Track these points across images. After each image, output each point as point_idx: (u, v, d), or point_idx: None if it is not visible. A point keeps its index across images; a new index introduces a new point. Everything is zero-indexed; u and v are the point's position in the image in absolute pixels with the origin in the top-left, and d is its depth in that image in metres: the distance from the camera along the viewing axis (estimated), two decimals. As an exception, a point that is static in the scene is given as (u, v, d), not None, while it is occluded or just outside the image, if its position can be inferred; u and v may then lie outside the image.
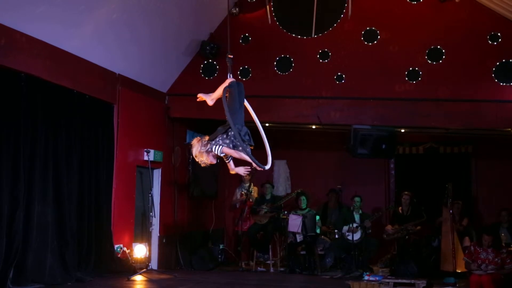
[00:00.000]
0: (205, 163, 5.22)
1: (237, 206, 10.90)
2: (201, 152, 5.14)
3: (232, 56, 6.01)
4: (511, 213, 9.79)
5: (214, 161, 5.25)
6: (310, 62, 9.75)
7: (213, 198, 11.42)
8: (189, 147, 5.50)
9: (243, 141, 5.18)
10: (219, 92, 5.55)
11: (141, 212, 9.37)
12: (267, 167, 5.24)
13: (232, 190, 11.55)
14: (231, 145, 5.18)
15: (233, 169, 5.41)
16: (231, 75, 5.72)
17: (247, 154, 5.11)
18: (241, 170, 5.41)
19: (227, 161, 5.35)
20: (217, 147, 5.13)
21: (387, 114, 9.46)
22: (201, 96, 5.75)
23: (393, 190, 11.68)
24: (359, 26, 9.60)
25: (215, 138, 5.21)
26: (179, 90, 10.06)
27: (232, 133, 5.17)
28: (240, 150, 5.18)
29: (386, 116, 9.46)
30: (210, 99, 5.66)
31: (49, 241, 7.16)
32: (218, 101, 5.62)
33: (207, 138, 5.23)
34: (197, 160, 5.23)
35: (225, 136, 5.21)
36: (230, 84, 5.43)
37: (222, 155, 5.17)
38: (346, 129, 9.86)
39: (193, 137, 11.39)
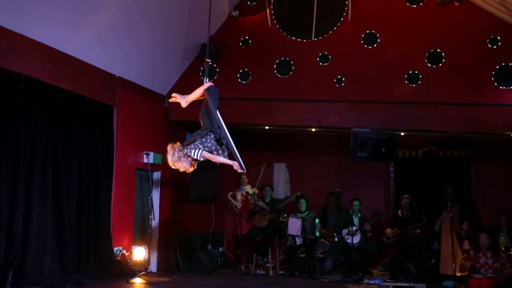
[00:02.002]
0: (184, 169, 5.21)
1: (234, 206, 10.89)
2: (179, 157, 5.12)
3: (209, 60, 6.06)
4: (510, 216, 9.78)
5: (188, 167, 5.23)
6: (310, 65, 9.76)
7: (212, 201, 11.41)
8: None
9: (222, 144, 5.22)
10: (195, 95, 5.60)
11: (141, 215, 9.36)
12: (244, 170, 5.28)
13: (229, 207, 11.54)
14: (213, 148, 5.19)
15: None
16: (207, 79, 5.77)
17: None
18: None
19: (192, 166, 5.30)
20: (197, 151, 5.13)
21: (386, 117, 9.46)
22: (175, 96, 5.74)
23: (393, 193, 11.67)
24: (359, 29, 9.61)
25: (193, 142, 5.19)
26: (179, 93, 9.95)
27: (213, 136, 5.20)
28: (219, 154, 5.21)
29: (386, 120, 9.46)
30: (184, 101, 5.68)
31: (48, 243, 7.15)
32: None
33: (178, 144, 5.21)
34: (174, 166, 5.19)
35: (204, 140, 5.21)
36: (210, 88, 5.48)
37: (201, 159, 5.16)
38: (345, 132, 9.87)
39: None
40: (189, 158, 5.16)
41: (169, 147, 5.20)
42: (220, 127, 5.25)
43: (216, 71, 10.00)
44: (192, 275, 9.61)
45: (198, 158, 5.15)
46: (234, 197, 10.78)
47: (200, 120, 5.49)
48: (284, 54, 9.85)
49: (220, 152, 5.24)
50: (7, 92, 6.66)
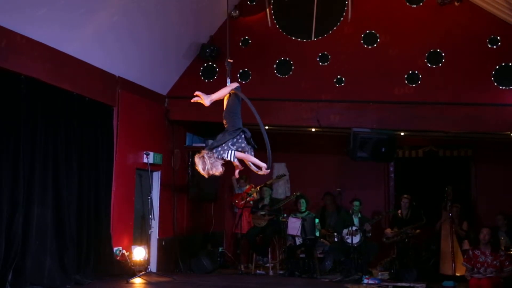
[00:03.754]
0: (219, 173, 5.05)
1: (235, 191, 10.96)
2: (212, 163, 4.97)
3: (231, 61, 6.01)
4: (506, 216, 9.77)
5: (221, 169, 5.12)
6: (310, 65, 9.76)
7: (212, 201, 11.42)
8: (189, 151, 5.44)
9: (250, 144, 5.18)
10: (220, 94, 5.52)
11: (141, 215, 9.36)
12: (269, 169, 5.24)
13: (231, 193, 11.56)
14: (246, 148, 5.14)
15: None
16: (229, 79, 5.73)
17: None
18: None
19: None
20: (230, 152, 5.03)
21: (386, 117, 9.46)
22: (199, 95, 5.62)
23: (393, 193, 11.68)
24: (359, 29, 9.61)
25: (222, 144, 5.10)
26: (179, 93, 10.06)
27: (244, 136, 5.14)
28: (249, 154, 5.15)
29: (386, 120, 9.46)
30: (208, 100, 5.57)
31: (48, 244, 7.14)
32: (215, 103, 5.62)
33: (205, 151, 5.05)
34: (209, 174, 5.01)
35: (235, 140, 5.13)
36: (237, 88, 5.46)
37: (234, 160, 5.08)
38: (345, 132, 9.87)
39: (192, 140, 11.42)
40: (221, 161, 5.06)
41: (196, 158, 5.00)
42: (260, 125, 5.20)
43: (216, 70, 10.00)
44: (192, 275, 9.61)
45: (232, 160, 5.05)
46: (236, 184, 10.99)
47: (224, 120, 5.38)
48: (284, 54, 9.85)
49: (249, 152, 5.19)
50: (7, 92, 6.66)
